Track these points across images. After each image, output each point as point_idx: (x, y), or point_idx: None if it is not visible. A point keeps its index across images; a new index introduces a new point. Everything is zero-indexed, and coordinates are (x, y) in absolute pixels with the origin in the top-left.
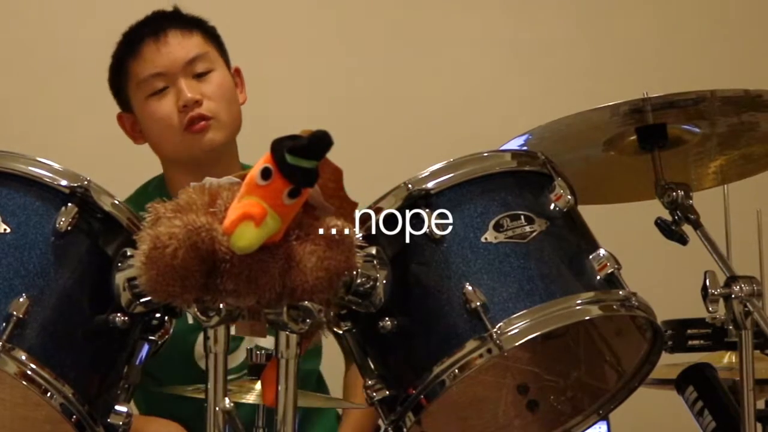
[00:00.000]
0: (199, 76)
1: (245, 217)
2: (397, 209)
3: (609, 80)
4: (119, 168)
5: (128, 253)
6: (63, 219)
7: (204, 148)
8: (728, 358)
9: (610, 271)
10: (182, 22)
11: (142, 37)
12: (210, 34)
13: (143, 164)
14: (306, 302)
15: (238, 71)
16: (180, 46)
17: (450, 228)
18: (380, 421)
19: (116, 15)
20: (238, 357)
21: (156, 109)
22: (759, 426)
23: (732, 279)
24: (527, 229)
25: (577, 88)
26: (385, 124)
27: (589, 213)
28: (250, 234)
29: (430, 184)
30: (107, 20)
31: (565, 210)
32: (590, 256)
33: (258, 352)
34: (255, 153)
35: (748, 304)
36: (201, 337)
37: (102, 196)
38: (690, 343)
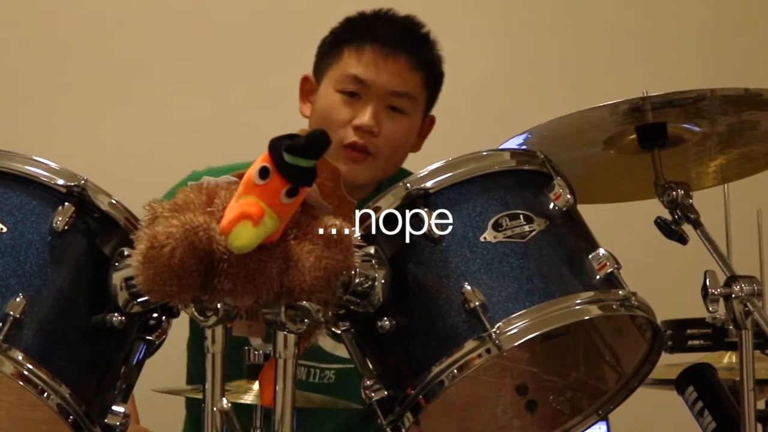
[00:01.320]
0: (392, 110)
1: (243, 217)
2: (396, 209)
3: (608, 79)
4: (118, 168)
5: (125, 253)
6: (60, 218)
7: (345, 175)
8: (728, 358)
9: (609, 270)
10: (418, 55)
11: (375, 36)
12: (432, 81)
13: (143, 164)
14: (304, 302)
15: (432, 121)
16: (400, 75)
17: (449, 227)
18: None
19: (116, 16)
20: None
21: (334, 109)
22: (759, 426)
23: (732, 279)
24: (526, 228)
25: (577, 86)
26: None
27: (589, 212)
28: (248, 233)
29: (428, 184)
30: (107, 21)
31: (564, 209)
32: (590, 256)
33: (256, 353)
34: (254, 153)
35: (748, 303)
36: None
37: (99, 195)
38: (690, 343)
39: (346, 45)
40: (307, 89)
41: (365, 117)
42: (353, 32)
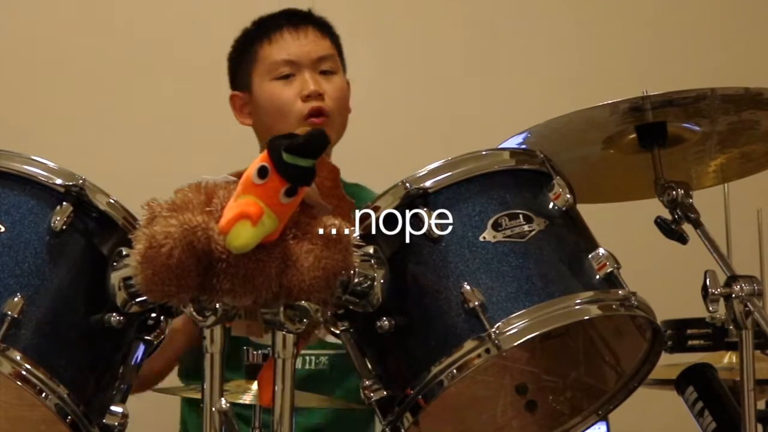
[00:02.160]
0: (324, 74)
1: (242, 216)
2: (395, 208)
3: (608, 78)
4: (117, 168)
5: (124, 253)
6: (58, 218)
7: None
8: (728, 358)
9: (609, 270)
10: (320, 24)
11: (280, 25)
12: (336, 43)
13: (142, 163)
14: (303, 302)
15: (348, 84)
16: (315, 42)
17: (448, 227)
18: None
19: (116, 16)
20: None
21: (280, 93)
22: (760, 427)
23: (732, 278)
24: (526, 228)
25: (577, 85)
26: (383, 123)
27: (589, 212)
28: (247, 233)
29: (428, 183)
30: (106, 21)
31: (564, 209)
32: (589, 256)
33: (254, 353)
34: (254, 154)
35: (748, 303)
36: None
37: (97, 195)
38: (690, 343)
39: (259, 41)
40: (240, 104)
41: (309, 85)
42: (261, 31)
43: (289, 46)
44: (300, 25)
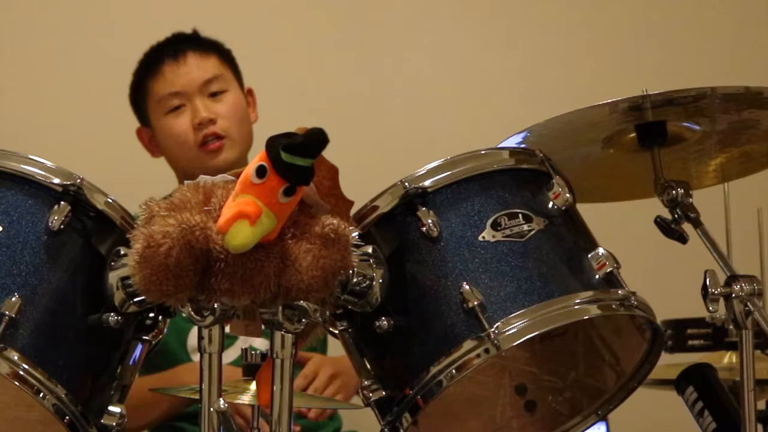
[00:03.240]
0: (214, 96)
1: (240, 216)
2: (394, 207)
3: (608, 77)
4: (115, 168)
5: (122, 252)
6: (56, 217)
7: (218, 166)
8: (728, 358)
9: (609, 270)
10: (200, 45)
11: (162, 57)
12: (226, 57)
13: (140, 163)
14: (301, 302)
15: (250, 91)
16: (197, 67)
17: (447, 227)
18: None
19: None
20: (231, 354)
21: (172, 126)
22: (760, 427)
23: (732, 278)
24: (525, 227)
25: (576, 84)
26: (382, 122)
27: (588, 211)
28: (245, 233)
29: (427, 183)
30: (106, 20)
31: (563, 208)
32: (589, 255)
33: (253, 353)
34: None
35: (748, 303)
36: (195, 329)
37: (95, 194)
38: (690, 343)
39: (146, 79)
40: (147, 139)
41: (199, 112)
42: (147, 65)
43: (171, 77)
44: (179, 53)
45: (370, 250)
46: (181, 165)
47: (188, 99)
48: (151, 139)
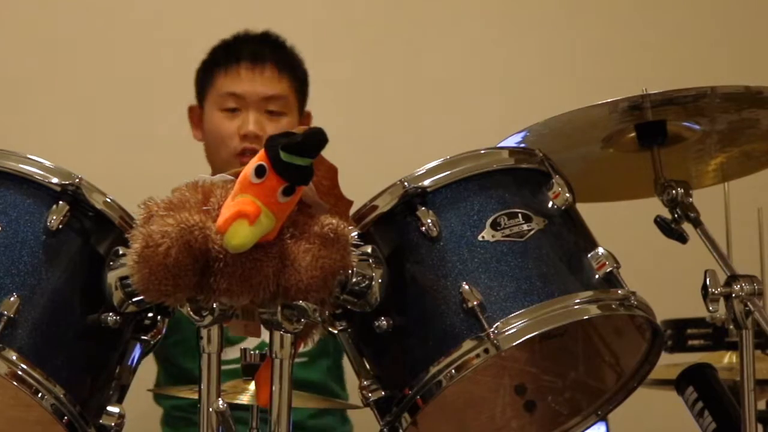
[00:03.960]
0: (271, 113)
1: (239, 216)
2: (393, 207)
3: (608, 76)
4: (114, 167)
5: (120, 252)
6: (54, 217)
7: None
8: (728, 358)
9: (609, 269)
10: (281, 60)
11: (239, 58)
12: (298, 80)
13: (139, 162)
14: (300, 301)
15: (308, 116)
16: (269, 82)
17: (447, 226)
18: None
19: (115, 15)
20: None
21: (220, 125)
22: (760, 427)
23: (732, 278)
24: (525, 227)
25: (576, 84)
26: (381, 121)
27: (588, 211)
28: (244, 232)
29: (426, 182)
30: (104, 20)
31: (563, 208)
32: (589, 255)
33: (252, 352)
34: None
35: (748, 303)
36: None
37: (93, 194)
38: (690, 342)
39: (218, 68)
40: (196, 119)
41: (248, 125)
42: (222, 56)
43: (240, 81)
44: (258, 62)
45: (369, 249)
46: (217, 162)
47: (245, 106)
48: (200, 120)
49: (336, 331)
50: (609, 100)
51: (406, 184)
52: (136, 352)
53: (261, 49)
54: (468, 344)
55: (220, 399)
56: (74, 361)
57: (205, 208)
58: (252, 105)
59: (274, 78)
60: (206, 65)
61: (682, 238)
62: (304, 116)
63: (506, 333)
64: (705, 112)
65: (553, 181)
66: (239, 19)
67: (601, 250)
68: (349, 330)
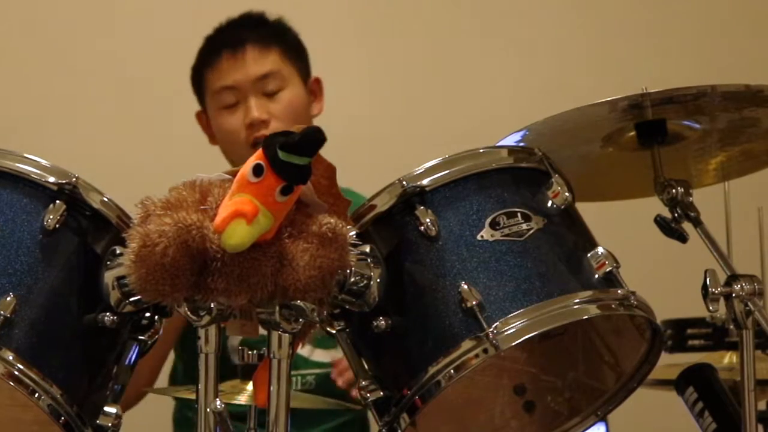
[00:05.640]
0: (270, 95)
1: (237, 215)
2: (392, 206)
3: (608, 75)
4: (111, 166)
5: (117, 252)
6: (51, 216)
7: None
8: (729, 358)
9: (608, 269)
10: (262, 37)
11: (220, 48)
12: (289, 48)
13: (136, 161)
14: (299, 301)
15: (317, 81)
16: (255, 62)
17: (446, 226)
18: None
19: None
20: None
21: (224, 123)
22: (760, 427)
23: (733, 278)
24: (524, 226)
25: (576, 83)
26: (380, 121)
27: (588, 210)
28: (242, 232)
29: (425, 181)
30: (99, 19)
31: (562, 207)
32: (588, 255)
33: (250, 353)
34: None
35: (749, 303)
36: None
37: (91, 193)
38: (690, 343)
39: (205, 68)
40: (206, 124)
41: (252, 113)
42: (205, 55)
43: (227, 71)
44: (237, 46)
45: (367, 249)
46: (234, 158)
47: (243, 95)
48: (209, 125)
49: (334, 331)
50: (609, 99)
51: (404, 183)
52: (134, 352)
53: (239, 33)
54: (467, 344)
55: (217, 399)
56: (71, 361)
57: (202, 207)
58: (248, 92)
59: (258, 57)
60: (196, 68)
61: (682, 238)
62: (311, 82)
63: (505, 333)
64: (705, 110)
65: (553, 180)
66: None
67: (600, 249)
68: (348, 330)
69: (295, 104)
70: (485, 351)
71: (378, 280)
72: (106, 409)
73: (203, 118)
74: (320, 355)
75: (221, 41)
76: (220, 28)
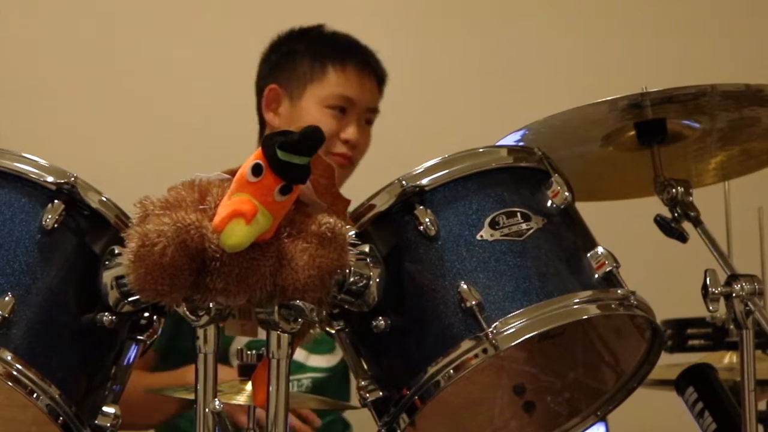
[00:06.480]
0: (366, 123)
1: (235, 215)
2: (391, 206)
3: (607, 74)
4: (110, 166)
5: (116, 251)
6: (49, 216)
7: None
8: (729, 358)
9: (608, 269)
10: (379, 74)
11: (351, 54)
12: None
13: (135, 161)
14: (298, 301)
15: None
16: (372, 93)
17: (445, 225)
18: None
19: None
20: None
21: (324, 122)
22: (760, 427)
23: (733, 277)
24: (524, 226)
25: (575, 82)
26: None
27: (587, 210)
28: (241, 231)
29: (424, 181)
30: (98, 20)
31: (562, 207)
32: (588, 254)
33: (249, 352)
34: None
35: (749, 303)
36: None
37: (89, 192)
38: (690, 342)
39: (332, 63)
40: (273, 99)
41: (353, 133)
42: (335, 50)
43: (356, 84)
44: (367, 68)
45: (367, 249)
46: None
47: (352, 110)
48: (277, 100)
49: (333, 331)
50: (608, 98)
51: (404, 182)
52: (132, 352)
53: (365, 54)
54: (466, 344)
55: (216, 399)
56: (70, 361)
57: (201, 207)
58: (357, 111)
59: (376, 89)
60: (312, 52)
61: (682, 238)
62: None
63: (505, 333)
64: (705, 110)
65: (552, 179)
66: (238, 18)
67: (600, 249)
68: (347, 330)
69: (369, 142)
70: (485, 351)
71: (377, 280)
72: (105, 409)
73: (273, 92)
74: (316, 361)
75: (347, 49)
76: (346, 37)
